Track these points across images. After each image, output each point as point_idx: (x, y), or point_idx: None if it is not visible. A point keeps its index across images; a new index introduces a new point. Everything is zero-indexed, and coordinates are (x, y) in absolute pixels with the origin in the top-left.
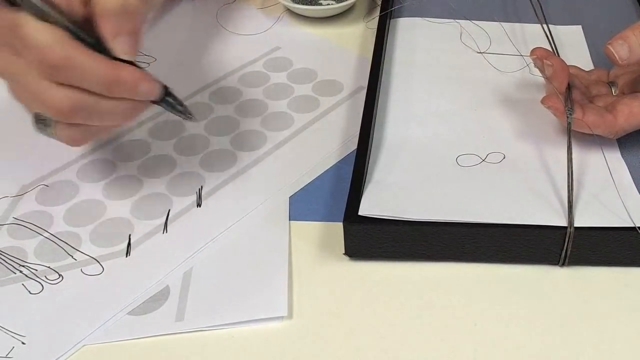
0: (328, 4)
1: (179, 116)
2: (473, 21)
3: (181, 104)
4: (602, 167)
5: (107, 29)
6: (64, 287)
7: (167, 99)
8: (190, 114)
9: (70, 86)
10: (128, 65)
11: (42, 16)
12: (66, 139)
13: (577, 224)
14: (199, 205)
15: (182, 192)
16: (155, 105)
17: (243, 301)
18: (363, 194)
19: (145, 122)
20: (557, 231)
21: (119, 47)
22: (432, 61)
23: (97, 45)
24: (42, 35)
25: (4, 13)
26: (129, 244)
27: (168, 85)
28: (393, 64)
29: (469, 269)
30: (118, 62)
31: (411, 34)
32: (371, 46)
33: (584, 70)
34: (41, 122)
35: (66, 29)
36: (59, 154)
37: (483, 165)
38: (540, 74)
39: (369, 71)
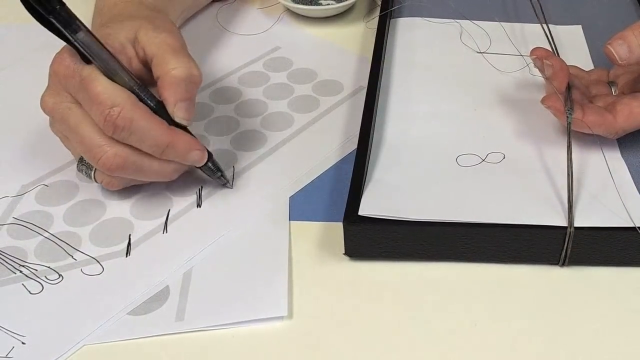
0: (328, 4)
1: (216, 181)
2: (473, 21)
3: (220, 170)
4: (602, 167)
5: (170, 96)
6: (64, 287)
7: (208, 164)
8: (227, 180)
9: (124, 144)
10: (184, 132)
11: (110, 74)
12: (105, 184)
13: (577, 224)
14: (199, 205)
15: (182, 192)
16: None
17: (243, 301)
18: (363, 194)
19: None
20: (557, 231)
21: (179, 113)
22: (432, 61)
23: (158, 109)
24: (112, 94)
25: (75, 64)
26: (129, 244)
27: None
28: (393, 64)
29: (469, 269)
30: (174, 129)
31: (411, 34)
32: (371, 46)
33: (583, 70)
34: (84, 165)
35: (132, 90)
36: (58, 154)
37: (483, 165)
38: (540, 74)
39: (369, 71)
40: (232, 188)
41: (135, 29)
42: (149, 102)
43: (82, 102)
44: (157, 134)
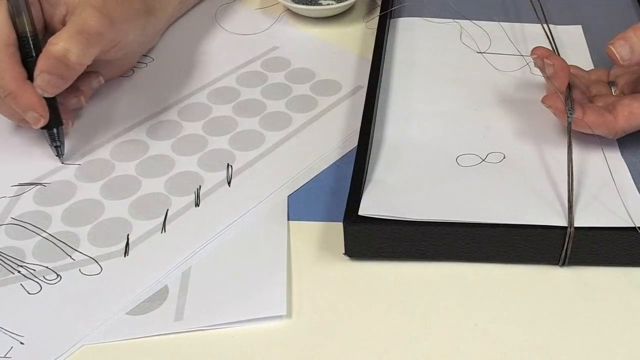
0: (328, 4)
1: (52, 149)
2: (473, 21)
3: (58, 141)
4: (602, 167)
5: (39, 63)
6: (63, 287)
7: (51, 132)
8: (59, 154)
9: None
10: (33, 90)
11: (14, 14)
12: None
13: (577, 224)
14: (197, 204)
15: (180, 192)
16: (153, 107)
17: (242, 300)
18: (363, 194)
19: (143, 122)
20: (557, 231)
21: (37, 81)
22: (432, 61)
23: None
24: None
25: None
26: (127, 243)
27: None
28: (393, 64)
29: (469, 269)
30: (26, 85)
31: (411, 34)
32: (371, 46)
33: (584, 70)
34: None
35: (22, 35)
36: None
37: (483, 165)
38: (541, 74)
39: (368, 71)
40: (62, 163)
41: None
42: (32, 53)
43: None
44: (6, 78)
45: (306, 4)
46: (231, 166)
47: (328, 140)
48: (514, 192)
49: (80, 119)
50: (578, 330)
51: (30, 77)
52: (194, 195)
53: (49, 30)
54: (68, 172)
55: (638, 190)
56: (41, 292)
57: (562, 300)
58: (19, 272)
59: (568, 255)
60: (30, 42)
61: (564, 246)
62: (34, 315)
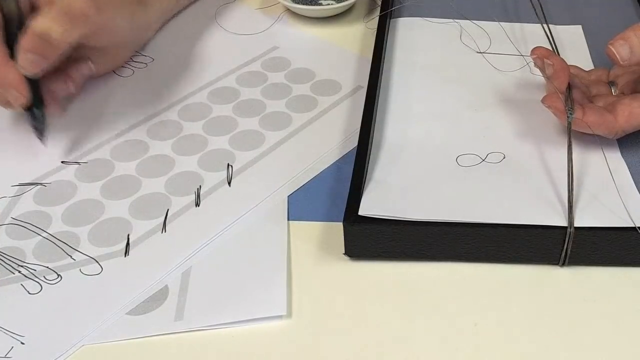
0: (328, 4)
1: (32, 130)
2: (473, 21)
3: (39, 123)
4: (602, 167)
5: (23, 42)
6: (63, 287)
7: (31, 111)
8: (40, 136)
9: None
10: (15, 70)
11: None
12: None
13: (577, 224)
14: (197, 204)
15: (180, 192)
16: (153, 107)
17: (242, 300)
18: (363, 194)
19: (143, 121)
20: (557, 231)
21: (20, 60)
22: (432, 61)
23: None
24: None
25: None
26: (127, 243)
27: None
28: (393, 64)
29: (469, 269)
30: (8, 64)
31: (411, 34)
32: (371, 46)
33: (584, 70)
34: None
35: (7, 15)
36: (56, 154)
37: (483, 165)
38: (541, 74)
39: (368, 71)
40: (45, 146)
41: None
42: (17, 35)
43: None
44: None
45: (306, 4)
46: (231, 166)
47: (328, 140)
48: (514, 192)
49: (80, 119)
50: (578, 330)
51: (14, 57)
52: (194, 195)
53: (36, 12)
54: (68, 172)
55: (638, 190)
56: (42, 292)
57: (562, 300)
58: (19, 272)
59: (568, 255)
60: (15, 23)
61: (564, 246)
62: (34, 315)
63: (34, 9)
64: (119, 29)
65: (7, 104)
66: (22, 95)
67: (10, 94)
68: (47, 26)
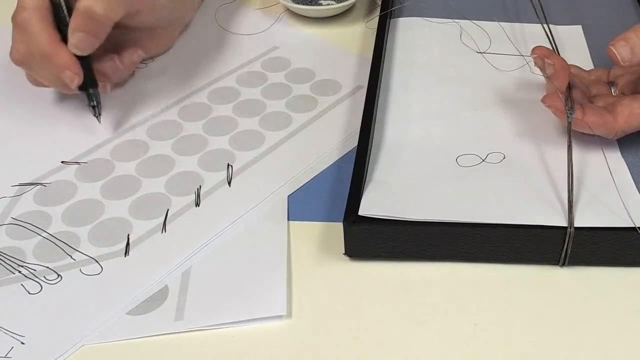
0: (328, 4)
1: (90, 109)
2: (473, 21)
3: (95, 101)
4: (602, 167)
5: (72, 22)
6: (63, 287)
7: (87, 92)
8: (96, 113)
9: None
10: (67, 51)
11: None
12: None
13: (577, 224)
14: (197, 204)
15: (180, 192)
16: (152, 107)
17: (242, 300)
18: (363, 194)
19: (143, 122)
20: (557, 231)
21: (71, 39)
22: (432, 61)
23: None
24: None
25: None
26: (127, 243)
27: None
28: (393, 64)
29: (469, 269)
30: (61, 47)
31: (411, 34)
32: (371, 46)
33: (584, 69)
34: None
35: (54, 2)
36: (56, 155)
37: (483, 165)
38: (541, 74)
39: (367, 71)
40: (100, 123)
41: None
42: (65, 18)
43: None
44: (42, 41)
45: (306, 4)
46: (231, 166)
47: (328, 140)
48: (514, 192)
49: (80, 118)
50: (578, 330)
51: (65, 42)
52: (194, 195)
53: None
54: (68, 172)
55: (638, 190)
56: (42, 292)
57: (562, 300)
58: (19, 272)
59: (568, 255)
60: (64, 9)
61: (564, 246)
62: (34, 315)
63: None
64: (161, 7)
65: (64, 86)
66: (76, 75)
67: (65, 75)
68: (92, 3)
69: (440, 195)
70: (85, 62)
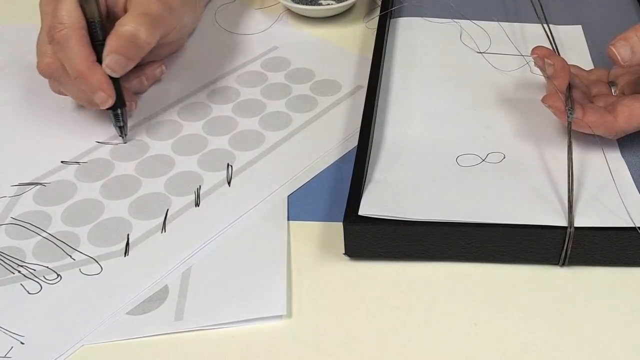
0: (328, 4)
1: (116, 129)
2: (473, 21)
3: (122, 122)
4: (602, 167)
5: (109, 44)
6: (63, 287)
7: (116, 112)
8: (122, 134)
9: (59, 59)
10: (102, 72)
11: (83, 1)
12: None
13: (577, 224)
14: (197, 204)
15: (180, 192)
16: (153, 107)
17: (242, 300)
18: (363, 193)
19: (143, 122)
20: (557, 231)
21: (107, 61)
22: (432, 61)
23: (103, 48)
24: (68, 14)
25: None
26: (127, 243)
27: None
28: (393, 64)
29: (469, 269)
30: (97, 66)
31: (411, 34)
32: (371, 46)
33: (584, 69)
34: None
35: (90, 20)
36: (56, 154)
37: (483, 165)
38: (541, 73)
39: (368, 71)
40: (125, 143)
41: None
42: (99, 37)
43: (51, 14)
44: (78, 60)
45: (306, 4)
46: (231, 166)
47: (328, 140)
48: (514, 192)
49: (80, 118)
50: (578, 330)
51: (99, 60)
52: (194, 195)
53: (110, 17)
54: (68, 172)
55: (638, 190)
56: (41, 292)
57: (562, 300)
58: (19, 272)
59: (568, 255)
60: (98, 27)
61: (564, 246)
62: (34, 315)
63: (109, 15)
64: (186, 24)
65: (92, 104)
66: (109, 97)
67: (97, 96)
68: (134, 28)
69: (440, 195)
70: (116, 82)
